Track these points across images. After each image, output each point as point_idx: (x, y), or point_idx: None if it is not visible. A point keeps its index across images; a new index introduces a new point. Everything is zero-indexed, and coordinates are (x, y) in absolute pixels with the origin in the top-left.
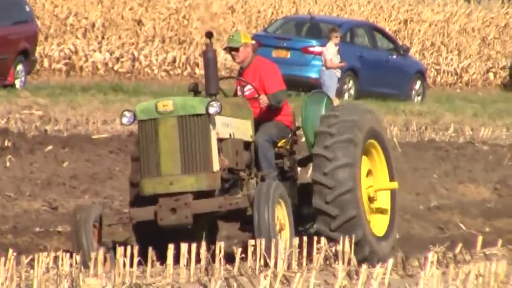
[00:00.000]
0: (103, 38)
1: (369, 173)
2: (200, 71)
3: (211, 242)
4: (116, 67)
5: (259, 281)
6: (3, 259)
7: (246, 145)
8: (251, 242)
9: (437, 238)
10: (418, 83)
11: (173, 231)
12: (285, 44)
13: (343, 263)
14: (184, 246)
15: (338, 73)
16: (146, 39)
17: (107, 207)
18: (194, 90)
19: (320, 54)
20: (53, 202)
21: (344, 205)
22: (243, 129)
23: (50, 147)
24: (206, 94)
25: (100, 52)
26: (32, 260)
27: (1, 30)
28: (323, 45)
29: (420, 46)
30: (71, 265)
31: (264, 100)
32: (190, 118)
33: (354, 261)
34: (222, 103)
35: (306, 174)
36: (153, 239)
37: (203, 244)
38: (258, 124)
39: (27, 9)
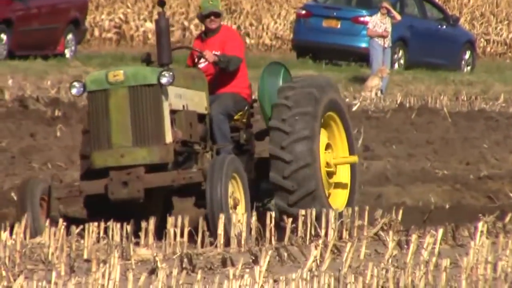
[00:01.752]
0: (153, 7)
1: (328, 146)
2: (250, 41)
3: (166, 218)
4: None
5: (309, 251)
6: (53, 229)
7: (201, 117)
8: (302, 212)
9: (487, 208)
10: (468, 53)
11: (125, 206)
12: (335, 14)
13: (393, 232)
14: (235, 216)
15: (386, 43)
16: (196, 8)
17: (56, 179)
18: (147, 60)
19: None
20: None
21: (302, 180)
22: (197, 100)
23: None
24: (159, 64)
25: (151, 21)
26: (83, 230)
27: (51, 0)
28: (373, 15)
29: (469, 16)
30: (121, 235)
31: (210, 55)
32: (142, 89)
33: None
34: (175, 74)
35: (263, 148)
36: (104, 213)
37: (254, 213)
38: (214, 96)
39: None
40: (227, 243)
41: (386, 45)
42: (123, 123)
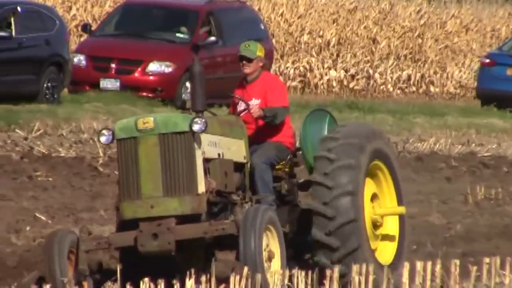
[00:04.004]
0: (337, 56)
1: (374, 196)
2: (434, 89)
3: (207, 272)
4: (351, 85)
5: None
6: (238, 277)
7: (239, 166)
8: (486, 260)
9: None
10: None
11: (161, 259)
12: None
13: None
14: (420, 264)
15: None
16: (381, 57)
17: (84, 231)
18: (182, 107)
19: None
20: None
21: (345, 237)
22: (234, 149)
23: None
24: (192, 111)
25: (335, 70)
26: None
27: (236, 49)
28: None
29: None
30: (306, 283)
31: (255, 110)
32: (173, 136)
33: None
34: (211, 121)
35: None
36: (140, 265)
37: (439, 261)
38: (256, 145)
39: (262, 27)
40: None
41: None
42: (153, 172)
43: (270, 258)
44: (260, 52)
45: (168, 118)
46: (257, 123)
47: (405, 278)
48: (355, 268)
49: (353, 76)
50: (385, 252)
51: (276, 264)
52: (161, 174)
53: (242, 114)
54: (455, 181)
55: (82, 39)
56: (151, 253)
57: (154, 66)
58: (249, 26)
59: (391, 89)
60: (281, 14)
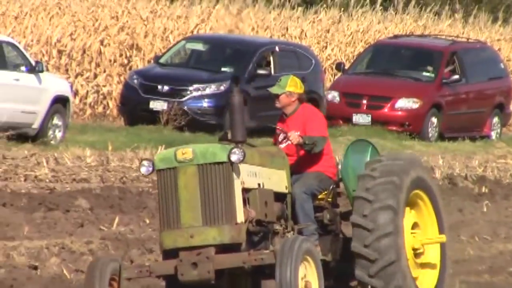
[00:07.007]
0: None
1: (415, 226)
2: None
3: None
4: None
5: None
6: None
7: (279, 196)
8: None
9: None
10: None
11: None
12: None
13: None
14: None
15: None
16: None
17: (126, 259)
18: (224, 138)
19: None
20: None
21: (383, 249)
22: (275, 179)
23: None
24: (232, 142)
25: None
26: None
27: (478, 86)
28: None
29: None
30: None
31: (294, 136)
32: (211, 167)
33: None
34: (251, 152)
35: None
36: None
37: None
38: (298, 175)
39: (502, 66)
40: None
41: None
42: (192, 202)
43: None
44: (291, 86)
45: (206, 149)
46: (298, 154)
47: None
48: None
49: None
50: (427, 279)
51: None
52: (200, 204)
53: (283, 146)
54: None
55: (336, 77)
56: (191, 282)
57: (402, 102)
58: (489, 65)
59: None
60: None
